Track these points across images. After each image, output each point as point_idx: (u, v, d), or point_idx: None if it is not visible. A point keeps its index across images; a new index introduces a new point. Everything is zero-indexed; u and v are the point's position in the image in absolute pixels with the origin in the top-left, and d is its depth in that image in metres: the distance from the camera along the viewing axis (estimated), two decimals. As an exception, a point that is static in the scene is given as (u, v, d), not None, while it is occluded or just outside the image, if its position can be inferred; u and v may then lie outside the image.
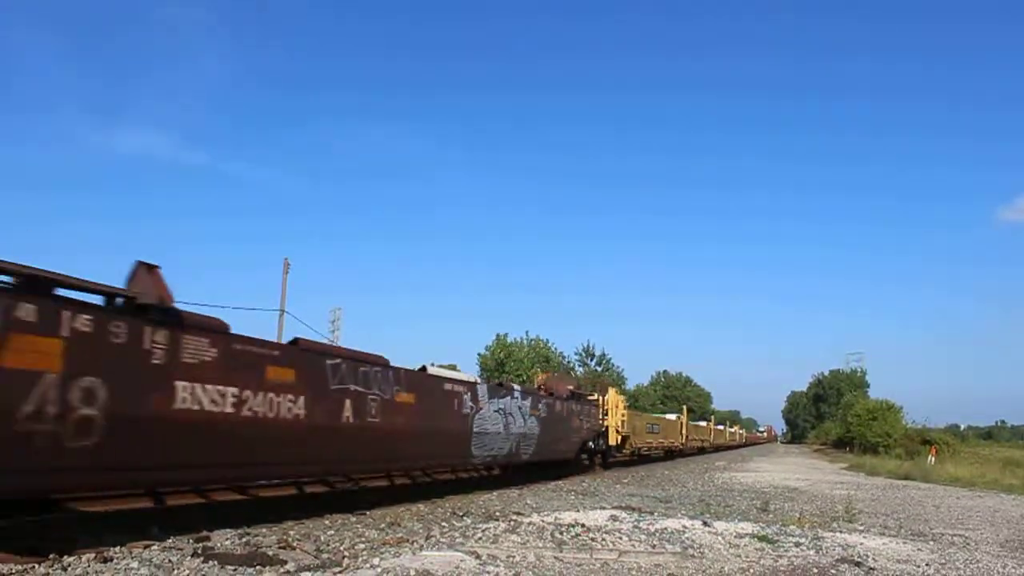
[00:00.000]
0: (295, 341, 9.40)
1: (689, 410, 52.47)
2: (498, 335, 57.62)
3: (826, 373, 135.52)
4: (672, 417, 40.91)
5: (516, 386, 16.75)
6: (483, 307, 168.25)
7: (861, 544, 8.49)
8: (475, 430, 13.46)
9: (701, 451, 47.75)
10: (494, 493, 13.61)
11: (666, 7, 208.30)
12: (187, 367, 7.26)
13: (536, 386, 19.70)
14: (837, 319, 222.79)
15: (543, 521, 8.98)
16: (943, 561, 7.78)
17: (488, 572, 6.04)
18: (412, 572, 5.82)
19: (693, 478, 22.01)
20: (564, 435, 18.83)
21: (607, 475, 21.34)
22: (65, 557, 5.94)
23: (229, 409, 7.71)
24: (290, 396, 8.58)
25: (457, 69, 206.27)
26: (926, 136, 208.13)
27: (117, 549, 6.38)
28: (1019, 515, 14.20)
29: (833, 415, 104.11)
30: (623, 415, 25.67)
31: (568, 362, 67.52)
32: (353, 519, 9.26)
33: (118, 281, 6.99)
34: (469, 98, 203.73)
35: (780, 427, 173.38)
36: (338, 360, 9.64)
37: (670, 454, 36.99)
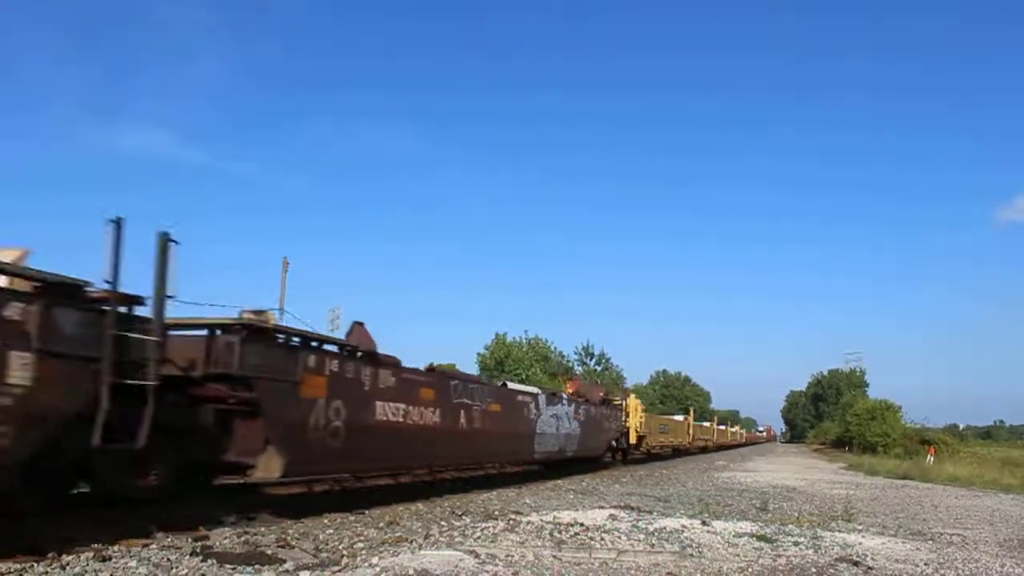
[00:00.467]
0: (431, 368, 12.87)
1: (687, 410, 55.42)
2: (497, 334, 57.59)
3: (825, 373, 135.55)
4: (680, 418, 44.56)
5: (564, 395, 20.06)
6: (482, 306, 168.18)
7: (860, 543, 8.49)
8: (537, 432, 16.53)
9: (704, 450, 50.49)
10: (493, 492, 13.61)
11: (665, 7, 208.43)
12: (380, 391, 10.43)
13: (571, 392, 22.26)
14: (836, 318, 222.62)
15: (542, 520, 8.98)
16: (941, 560, 7.78)
17: (487, 571, 6.04)
18: (411, 571, 5.82)
19: (692, 477, 22.02)
20: (597, 435, 21.92)
21: (605, 474, 21.37)
22: (64, 556, 5.94)
23: (400, 419, 10.88)
24: (431, 409, 11.75)
25: (457, 68, 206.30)
26: (925, 135, 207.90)
27: (116, 548, 6.38)
28: (1017, 515, 14.21)
29: (832, 415, 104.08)
30: (641, 417, 28.77)
31: (567, 361, 67.56)
32: (352, 518, 9.26)
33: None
34: (469, 97, 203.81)
35: (779, 427, 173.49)
36: (456, 381, 13.01)
37: (677, 452, 39.66)
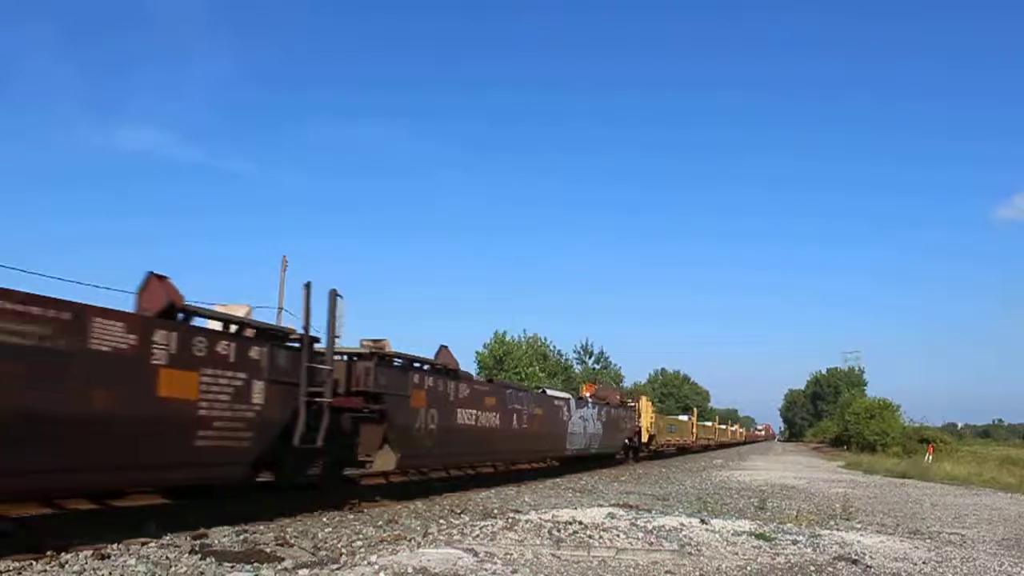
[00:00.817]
0: (490, 379, 16.82)
1: (687, 408, 55.03)
2: (496, 333, 57.54)
3: (824, 371, 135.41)
4: (684, 419, 47.77)
5: (590, 399, 22.79)
6: (481, 305, 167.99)
7: (858, 542, 8.50)
8: (569, 432, 19.28)
9: (706, 448, 53.06)
10: (491, 491, 13.63)
11: (666, 6, 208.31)
12: (460, 400, 12.76)
13: (587, 395, 24.25)
14: (835, 317, 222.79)
15: (541, 519, 8.98)
16: (940, 559, 7.79)
17: (486, 570, 6.05)
18: (410, 570, 5.82)
19: (691, 476, 22.04)
20: (615, 434, 24.76)
21: (604, 472, 21.38)
22: (63, 554, 5.94)
23: (473, 422, 13.27)
24: (493, 413, 14.16)
25: (457, 67, 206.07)
26: (924, 134, 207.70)
27: (115, 546, 6.37)
28: (1016, 513, 14.23)
29: (831, 413, 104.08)
30: (651, 418, 31.30)
31: (566, 360, 67.53)
32: (351, 516, 9.26)
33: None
34: (468, 96, 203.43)
35: (778, 425, 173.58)
36: (510, 389, 16.08)
37: (682, 450, 42.33)
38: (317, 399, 8.88)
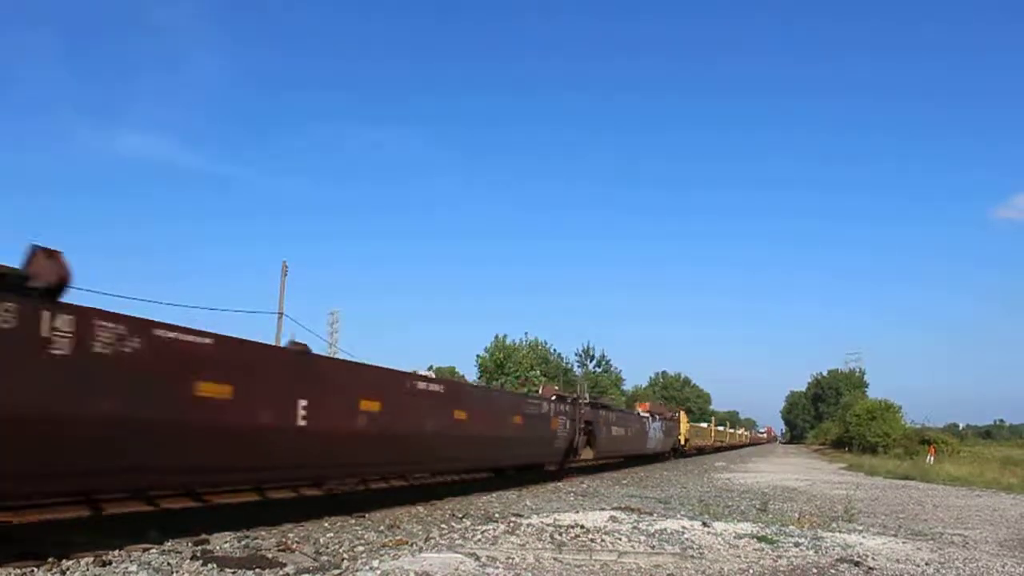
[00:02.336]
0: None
1: (688, 411, 61.87)
2: (497, 336, 57.59)
3: (825, 373, 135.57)
4: (704, 425, 61.34)
5: (660, 413, 33.23)
6: (481, 308, 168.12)
7: (860, 544, 8.49)
8: (648, 437, 29.30)
9: (718, 449, 60.45)
10: (493, 494, 13.60)
11: (666, 9, 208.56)
12: (613, 421, 21.94)
13: (646, 410, 32.58)
14: (835, 319, 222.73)
15: (542, 522, 8.97)
16: (942, 560, 7.78)
17: (487, 574, 6.04)
18: (411, 574, 5.81)
19: (692, 479, 22.02)
20: (668, 439, 34.44)
21: (607, 476, 21.36)
22: (63, 561, 5.92)
23: (622, 434, 23.44)
24: (624, 427, 22.97)
25: (457, 71, 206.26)
26: (922, 135, 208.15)
27: (115, 552, 6.36)
28: (1018, 514, 14.22)
29: (832, 415, 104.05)
30: (687, 427, 41.73)
31: (567, 363, 67.60)
32: (352, 521, 9.25)
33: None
34: (469, 100, 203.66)
35: (779, 427, 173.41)
36: (627, 413, 27.94)
37: (701, 451, 50.33)
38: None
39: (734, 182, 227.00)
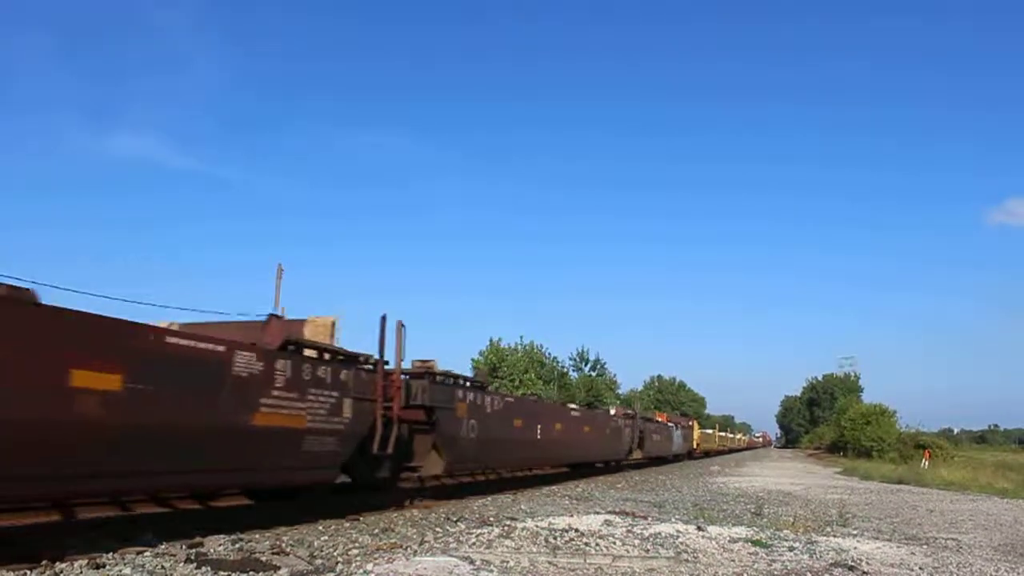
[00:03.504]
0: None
1: (685, 415, 65.36)
2: (492, 340, 57.52)
3: (819, 377, 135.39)
4: (710, 431, 64.87)
5: (679, 423, 40.53)
6: (477, 311, 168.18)
7: (855, 548, 8.51)
8: (673, 442, 35.32)
9: (720, 453, 64.91)
10: (488, 498, 13.60)
11: (665, 12, 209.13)
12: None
13: (665, 419, 39.02)
14: (830, 323, 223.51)
15: (537, 526, 8.97)
16: (937, 565, 7.80)
17: (482, 577, 6.04)
18: (406, 577, 5.80)
19: (687, 483, 22.02)
20: (685, 444, 41.11)
21: (601, 480, 21.38)
22: (57, 563, 5.91)
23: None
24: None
25: (454, 74, 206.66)
26: (917, 140, 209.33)
27: (110, 555, 6.35)
28: (1012, 519, 14.25)
29: (827, 419, 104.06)
30: (699, 433, 49.88)
31: (562, 367, 67.54)
32: (347, 524, 9.24)
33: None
34: (466, 103, 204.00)
35: (774, 432, 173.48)
36: (648, 420, 30.85)
37: (707, 454, 54.68)
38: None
39: (729, 186, 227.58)
